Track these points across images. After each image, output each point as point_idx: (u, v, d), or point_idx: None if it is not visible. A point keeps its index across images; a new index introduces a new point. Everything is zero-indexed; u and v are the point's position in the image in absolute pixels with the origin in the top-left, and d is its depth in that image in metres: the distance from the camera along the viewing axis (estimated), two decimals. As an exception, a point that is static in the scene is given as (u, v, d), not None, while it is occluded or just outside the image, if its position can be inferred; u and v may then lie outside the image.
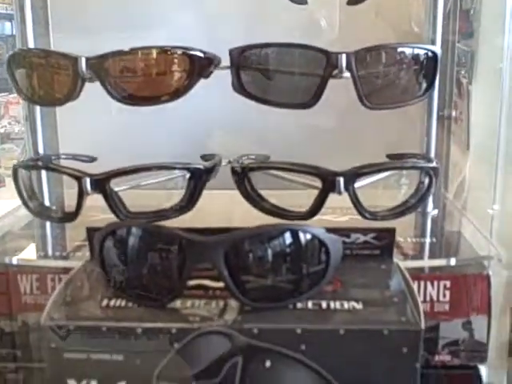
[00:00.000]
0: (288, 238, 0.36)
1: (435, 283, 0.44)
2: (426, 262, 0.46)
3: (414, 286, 0.38)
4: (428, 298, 0.44)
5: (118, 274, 0.37)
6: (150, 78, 0.46)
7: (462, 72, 0.65)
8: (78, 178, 0.46)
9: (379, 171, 0.47)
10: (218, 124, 0.66)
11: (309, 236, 0.36)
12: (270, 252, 0.35)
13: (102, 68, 0.46)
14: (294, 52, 0.46)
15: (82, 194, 0.46)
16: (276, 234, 0.36)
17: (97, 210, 0.49)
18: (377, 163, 0.46)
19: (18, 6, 0.56)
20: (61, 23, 0.63)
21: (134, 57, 0.46)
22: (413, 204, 0.48)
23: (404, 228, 0.50)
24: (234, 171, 0.48)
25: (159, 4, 0.64)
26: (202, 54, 0.47)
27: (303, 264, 0.36)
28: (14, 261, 0.46)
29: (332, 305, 0.36)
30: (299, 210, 0.47)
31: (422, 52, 0.48)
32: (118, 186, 0.47)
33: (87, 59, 0.46)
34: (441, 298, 0.44)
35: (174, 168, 0.47)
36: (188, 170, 0.47)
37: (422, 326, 0.34)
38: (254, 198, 0.48)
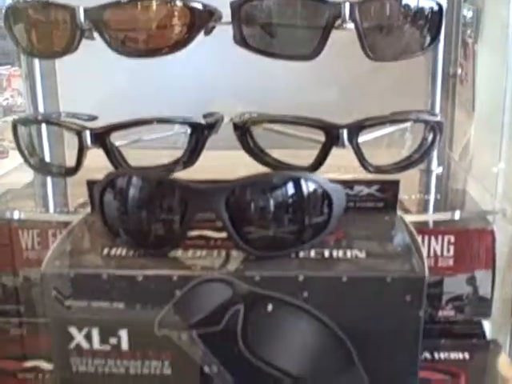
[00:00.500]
0: (290, 186, 0.35)
1: (439, 238, 0.43)
2: (431, 216, 0.46)
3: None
4: (432, 253, 0.43)
5: (118, 223, 0.36)
6: (149, 29, 0.45)
7: (468, 32, 0.64)
8: (78, 131, 0.46)
9: (383, 123, 0.46)
10: (222, 85, 0.65)
11: (312, 184, 0.35)
12: (272, 199, 0.35)
13: (101, 19, 0.45)
14: (296, 2, 0.45)
15: (82, 149, 0.46)
16: (278, 182, 0.35)
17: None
18: (380, 116, 0.46)
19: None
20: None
21: (133, 8, 0.45)
22: (417, 158, 0.48)
23: (409, 185, 0.49)
24: (236, 126, 0.47)
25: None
26: (202, 7, 0.46)
27: (306, 212, 0.36)
28: (16, 215, 0.45)
29: (335, 253, 0.36)
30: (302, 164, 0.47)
31: (426, 4, 0.47)
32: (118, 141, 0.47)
33: (85, 10, 0.45)
34: (445, 253, 0.43)
35: (175, 122, 0.47)
36: (189, 124, 0.47)
37: (426, 273, 0.34)
38: (257, 153, 0.48)
